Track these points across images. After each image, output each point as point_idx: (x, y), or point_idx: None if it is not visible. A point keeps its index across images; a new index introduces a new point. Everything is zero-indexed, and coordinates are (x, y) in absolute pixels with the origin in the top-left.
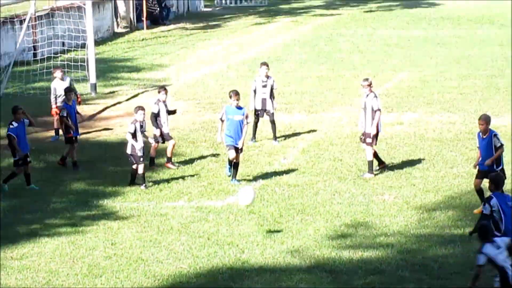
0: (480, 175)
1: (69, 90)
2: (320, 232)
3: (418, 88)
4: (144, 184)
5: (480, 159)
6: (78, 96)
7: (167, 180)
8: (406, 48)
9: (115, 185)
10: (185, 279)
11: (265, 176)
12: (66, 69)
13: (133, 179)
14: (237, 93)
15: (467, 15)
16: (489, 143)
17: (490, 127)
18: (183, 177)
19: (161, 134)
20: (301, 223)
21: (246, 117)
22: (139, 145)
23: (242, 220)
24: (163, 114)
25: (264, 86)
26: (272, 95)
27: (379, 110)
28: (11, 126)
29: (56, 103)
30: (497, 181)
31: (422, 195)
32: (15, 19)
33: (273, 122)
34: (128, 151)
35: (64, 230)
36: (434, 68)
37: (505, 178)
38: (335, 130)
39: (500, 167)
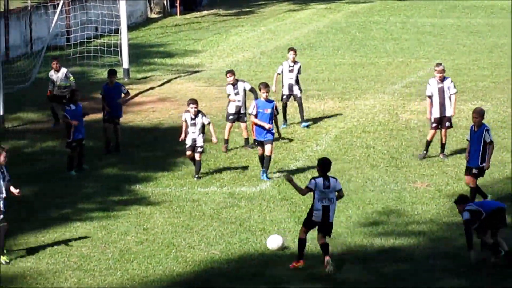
0: (469, 172)
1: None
2: (352, 219)
3: (451, 77)
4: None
5: (469, 153)
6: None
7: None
8: (439, 36)
9: (147, 171)
10: (217, 265)
11: (298, 162)
12: (99, 54)
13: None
14: (266, 85)
15: (500, 3)
16: (480, 137)
17: None
18: (215, 163)
19: (236, 114)
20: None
21: (276, 109)
22: (188, 136)
23: (274, 206)
24: (233, 96)
25: (291, 71)
26: (297, 80)
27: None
28: (67, 108)
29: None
30: None
31: (454, 183)
32: (48, 4)
33: (300, 105)
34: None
35: (96, 215)
36: (467, 57)
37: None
38: (368, 118)
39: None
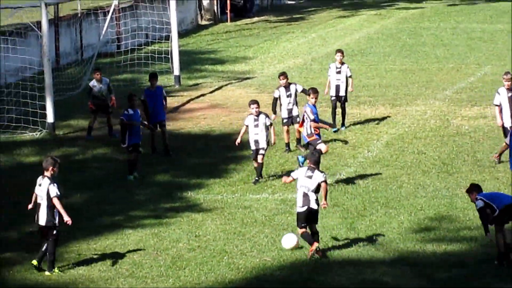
0: None
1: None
2: (403, 225)
3: (502, 82)
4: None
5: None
6: (112, 98)
7: (251, 173)
8: (489, 42)
9: (198, 177)
10: (269, 272)
11: (349, 169)
12: (150, 61)
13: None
14: (316, 91)
15: None
16: None
17: None
18: (267, 170)
19: (290, 117)
20: (384, 216)
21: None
22: (251, 138)
23: (326, 213)
24: (283, 99)
25: (338, 72)
26: (347, 82)
27: None
28: (125, 112)
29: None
30: None
31: (505, 188)
32: (98, 11)
33: (343, 109)
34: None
35: (148, 222)
36: None
37: None
38: (419, 124)
39: None
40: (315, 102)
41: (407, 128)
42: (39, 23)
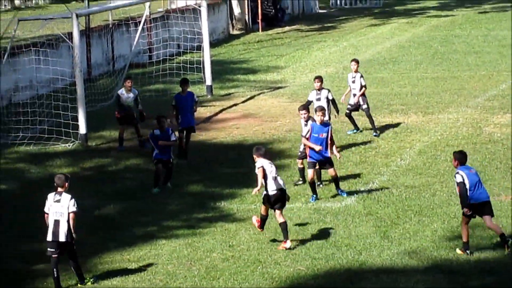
0: None
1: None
2: (437, 233)
3: None
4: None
5: None
6: (141, 110)
7: (285, 181)
8: None
9: (232, 187)
10: (303, 281)
11: (382, 177)
12: (181, 71)
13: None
14: (322, 109)
15: None
16: None
17: None
18: (300, 179)
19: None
20: (418, 224)
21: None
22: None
23: (360, 221)
24: (314, 102)
25: (353, 82)
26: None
27: None
28: (151, 132)
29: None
30: None
31: None
32: (130, 21)
33: (369, 116)
34: None
35: (181, 232)
36: None
37: None
38: (451, 131)
39: None
40: (322, 120)
41: (439, 136)
42: (70, 34)
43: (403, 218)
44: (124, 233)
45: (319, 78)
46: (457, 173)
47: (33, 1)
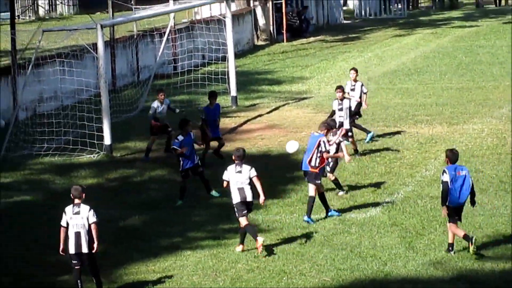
0: None
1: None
2: (462, 244)
3: None
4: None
5: None
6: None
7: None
8: None
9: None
10: None
11: (407, 188)
12: (206, 82)
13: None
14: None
15: None
16: None
17: None
18: (325, 189)
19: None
20: (443, 235)
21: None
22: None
23: (385, 232)
24: (336, 112)
25: (352, 89)
26: (361, 99)
27: None
28: (175, 140)
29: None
30: None
31: None
32: (154, 32)
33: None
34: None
35: (206, 243)
36: None
37: None
38: (476, 142)
39: None
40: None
41: (464, 147)
42: (95, 45)
43: (428, 228)
44: (149, 244)
45: (340, 88)
46: (444, 171)
47: (58, 12)
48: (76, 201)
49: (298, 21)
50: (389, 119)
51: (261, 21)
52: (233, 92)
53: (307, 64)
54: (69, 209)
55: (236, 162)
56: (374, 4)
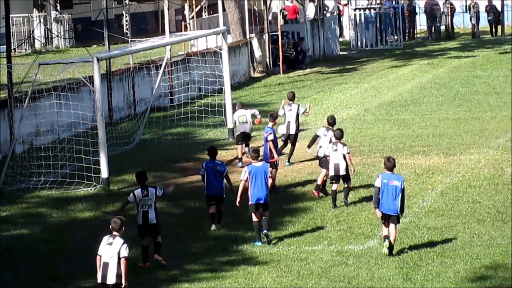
0: None
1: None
2: (459, 275)
3: None
4: None
5: None
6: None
7: (306, 225)
8: None
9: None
10: None
11: (404, 219)
12: (203, 115)
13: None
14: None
15: None
16: None
17: None
18: (322, 221)
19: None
20: (441, 266)
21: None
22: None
23: (382, 263)
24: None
25: (290, 110)
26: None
27: None
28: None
29: None
30: None
31: None
32: (151, 65)
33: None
34: None
35: (204, 276)
36: None
37: None
38: (473, 172)
39: None
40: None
41: (461, 177)
42: (91, 78)
43: (426, 259)
44: (147, 276)
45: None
46: (378, 177)
47: (54, 45)
48: (114, 233)
49: (294, 53)
50: (386, 150)
51: (257, 53)
52: (230, 125)
53: (303, 95)
54: (105, 239)
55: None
56: (370, 35)
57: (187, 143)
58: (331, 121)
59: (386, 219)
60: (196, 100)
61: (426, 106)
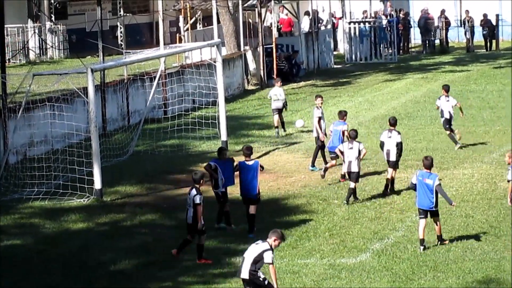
0: None
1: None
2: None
3: None
4: None
5: None
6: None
7: (299, 238)
8: None
9: (247, 243)
10: None
11: (397, 233)
12: (197, 127)
13: None
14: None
15: None
16: None
17: None
18: (315, 234)
19: None
20: (433, 280)
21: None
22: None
23: (375, 277)
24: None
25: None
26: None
27: None
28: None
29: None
30: None
31: None
32: (145, 76)
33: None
34: None
35: None
36: None
37: None
38: (466, 187)
39: None
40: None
41: (454, 192)
42: (85, 89)
43: (418, 273)
44: None
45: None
46: (415, 173)
47: (48, 56)
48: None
49: (288, 66)
50: (379, 164)
51: (252, 66)
52: (224, 137)
53: (297, 108)
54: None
55: None
56: (364, 49)
57: (181, 155)
58: (393, 122)
59: (423, 213)
60: (190, 112)
61: (420, 120)
